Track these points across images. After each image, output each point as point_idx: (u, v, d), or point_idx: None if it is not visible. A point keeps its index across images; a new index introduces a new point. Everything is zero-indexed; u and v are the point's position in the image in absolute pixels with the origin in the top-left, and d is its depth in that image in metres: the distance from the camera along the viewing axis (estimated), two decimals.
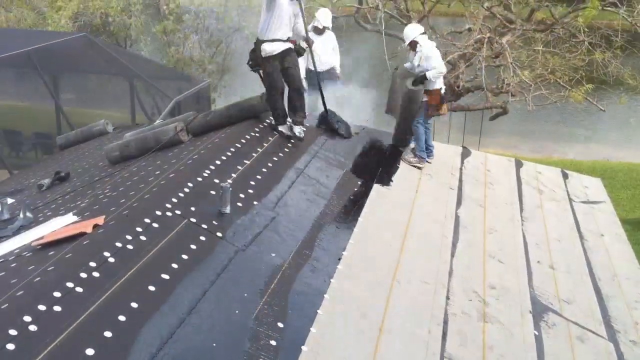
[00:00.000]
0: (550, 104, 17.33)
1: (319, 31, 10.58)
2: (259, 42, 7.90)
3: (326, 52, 10.63)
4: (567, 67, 16.23)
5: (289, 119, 8.18)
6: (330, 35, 10.84)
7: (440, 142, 10.73)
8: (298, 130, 8.19)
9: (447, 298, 6.02)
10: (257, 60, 8.01)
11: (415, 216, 7.36)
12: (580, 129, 26.54)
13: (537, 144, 24.34)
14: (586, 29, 15.56)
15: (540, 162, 13.19)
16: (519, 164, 10.08)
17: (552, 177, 10.13)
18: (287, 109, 8.25)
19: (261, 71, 8.10)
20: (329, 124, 8.91)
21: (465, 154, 9.86)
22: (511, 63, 14.06)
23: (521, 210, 8.49)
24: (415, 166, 8.50)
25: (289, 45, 7.97)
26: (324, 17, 10.68)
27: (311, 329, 4.96)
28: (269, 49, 7.84)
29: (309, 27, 10.02)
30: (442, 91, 8.51)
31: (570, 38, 15.69)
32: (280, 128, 8.15)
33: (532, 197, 8.99)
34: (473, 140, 20.05)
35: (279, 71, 7.98)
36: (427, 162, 8.62)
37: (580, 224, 8.64)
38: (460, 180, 8.79)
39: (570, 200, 9.41)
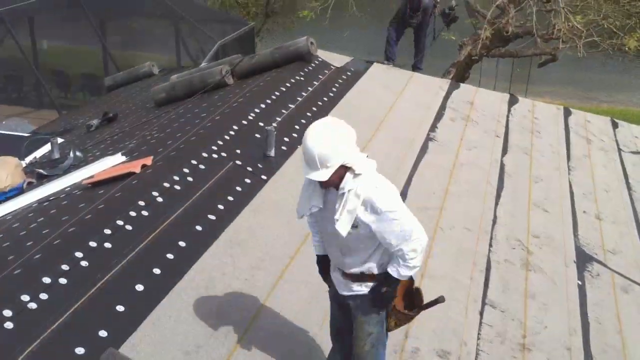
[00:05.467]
0: (601, 52, 16.82)
1: None
2: None
3: None
4: (620, 13, 15.67)
5: None
6: None
7: (487, 89, 10.56)
8: None
9: (490, 246, 6.01)
10: None
11: (459, 163, 7.31)
12: (632, 77, 25.76)
13: (586, 92, 23.75)
14: None
15: (589, 111, 12.91)
16: (567, 112, 9.89)
17: (601, 126, 9.92)
18: None
19: None
20: None
21: (513, 101, 9.70)
22: (563, 8, 13.61)
23: (568, 159, 8.36)
24: None
25: None
26: None
27: None
28: None
29: None
30: None
31: None
32: None
33: (580, 146, 8.84)
34: (520, 88, 19.68)
35: None
36: None
37: (629, 174, 8.48)
38: (507, 128, 8.67)
39: (619, 149, 9.22)
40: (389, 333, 3.69)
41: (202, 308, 4.14)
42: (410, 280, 3.62)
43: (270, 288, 4.55)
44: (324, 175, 3.21)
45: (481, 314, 5.12)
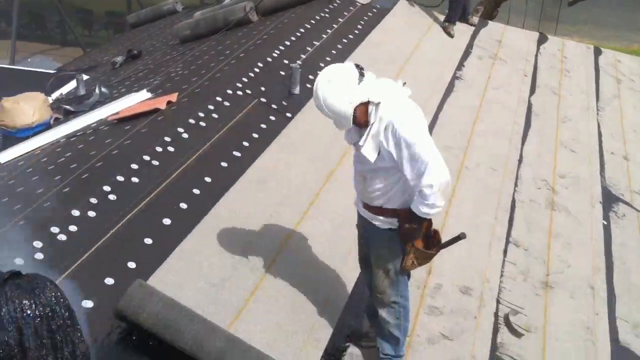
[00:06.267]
0: None
1: None
2: None
3: None
4: None
5: None
6: None
7: (516, 27, 10.33)
8: None
9: (516, 185, 5.99)
10: None
11: (486, 102, 7.22)
12: None
13: (617, 32, 23.16)
14: None
15: (620, 51, 12.63)
16: (597, 52, 9.67)
17: (632, 66, 9.70)
18: None
19: None
20: None
21: (542, 40, 9.50)
22: None
23: (597, 99, 8.22)
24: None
25: None
26: None
27: None
28: None
29: None
30: None
31: None
32: None
33: (609, 86, 8.68)
34: (550, 27, 19.22)
35: None
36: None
37: None
38: (535, 67, 8.52)
39: None
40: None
41: (228, 242, 4.19)
42: (429, 221, 3.53)
43: (295, 223, 4.58)
44: (347, 124, 3.29)
45: (505, 252, 5.13)
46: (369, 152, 3.32)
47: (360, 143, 3.32)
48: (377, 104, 3.27)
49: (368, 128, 3.30)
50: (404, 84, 3.40)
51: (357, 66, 3.34)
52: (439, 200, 3.27)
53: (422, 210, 3.31)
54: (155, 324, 3.35)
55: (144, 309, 3.36)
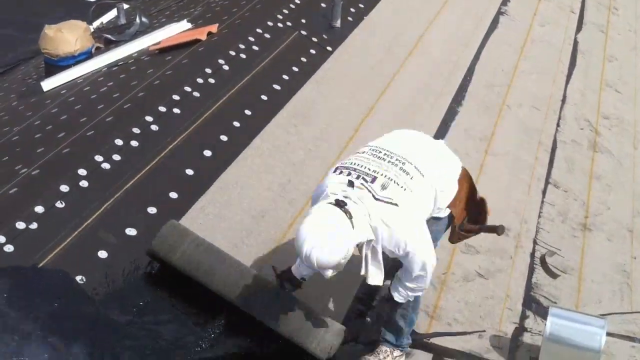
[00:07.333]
0: None
1: None
2: None
3: None
4: None
5: None
6: None
7: None
8: None
9: (558, 125, 5.90)
10: None
11: (531, 39, 7.05)
12: None
13: None
14: None
15: None
16: None
17: None
18: None
19: None
20: None
21: None
22: None
23: None
24: None
25: None
26: None
27: None
28: None
29: None
30: None
31: None
32: None
33: None
34: None
35: None
36: None
37: None
38: (583, 3, 8.26)
39: None
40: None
41: (267, 175, 4.23)
42: (473, 189, 3.39)
43: (334, 158, 4.59)
44: (338, 269, 2.81)
45: (544, 193, 5.10)
46: (376, 277, 2.93)
47: (362, 273, 2.92)
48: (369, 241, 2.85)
49: (363, 260, 2.89)
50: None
51: (338, 203, 2.76)
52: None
53: (400, 296, 3.16)
54: (187, 264, 3.35)
55: (176, 250, 3.35)
